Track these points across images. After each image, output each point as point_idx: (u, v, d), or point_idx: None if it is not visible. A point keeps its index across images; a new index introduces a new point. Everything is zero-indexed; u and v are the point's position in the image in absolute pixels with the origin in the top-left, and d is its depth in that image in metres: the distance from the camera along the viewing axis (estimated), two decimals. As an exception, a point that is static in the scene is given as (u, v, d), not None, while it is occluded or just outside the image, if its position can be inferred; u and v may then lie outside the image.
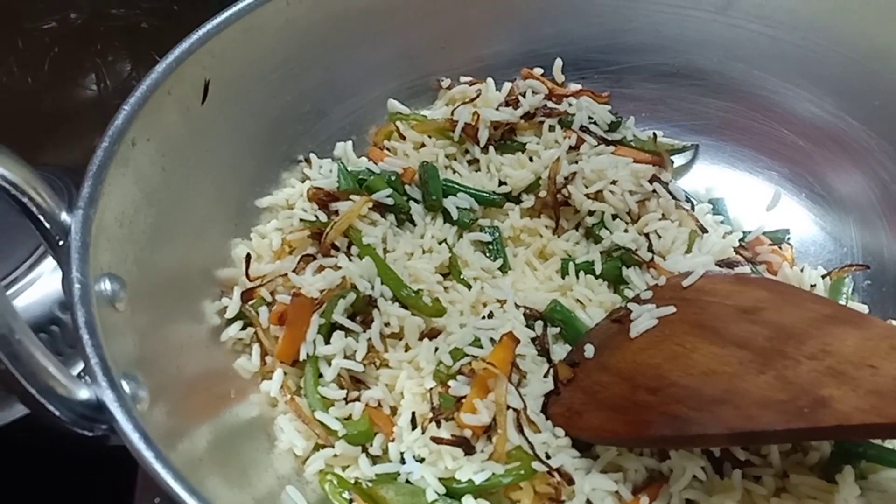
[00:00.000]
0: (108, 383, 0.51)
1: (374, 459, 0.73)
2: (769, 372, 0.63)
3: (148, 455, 0.49)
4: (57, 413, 0.49)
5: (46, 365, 0.48)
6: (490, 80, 0.99)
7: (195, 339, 0.75)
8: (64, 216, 0.61)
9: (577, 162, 0.93)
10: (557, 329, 0.82)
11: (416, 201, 0.90)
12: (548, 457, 0.69)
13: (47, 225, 0.60)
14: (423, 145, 0.96)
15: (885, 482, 0.68)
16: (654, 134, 0.98)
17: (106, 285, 0.60)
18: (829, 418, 0.57)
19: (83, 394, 0.50)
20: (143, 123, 0.70)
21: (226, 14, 0.80)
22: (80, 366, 0.55)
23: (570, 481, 0.68)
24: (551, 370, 0.77)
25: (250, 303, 0.79)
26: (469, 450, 0.70)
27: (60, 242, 0.61)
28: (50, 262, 0.97)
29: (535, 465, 0.68)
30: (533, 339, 0.80)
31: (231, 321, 0.79)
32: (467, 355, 0.75)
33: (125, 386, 0.53)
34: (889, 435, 0.64)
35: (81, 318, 0.54)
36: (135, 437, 0.49)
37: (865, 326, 0.65)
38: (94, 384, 0.51)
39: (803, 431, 0.59)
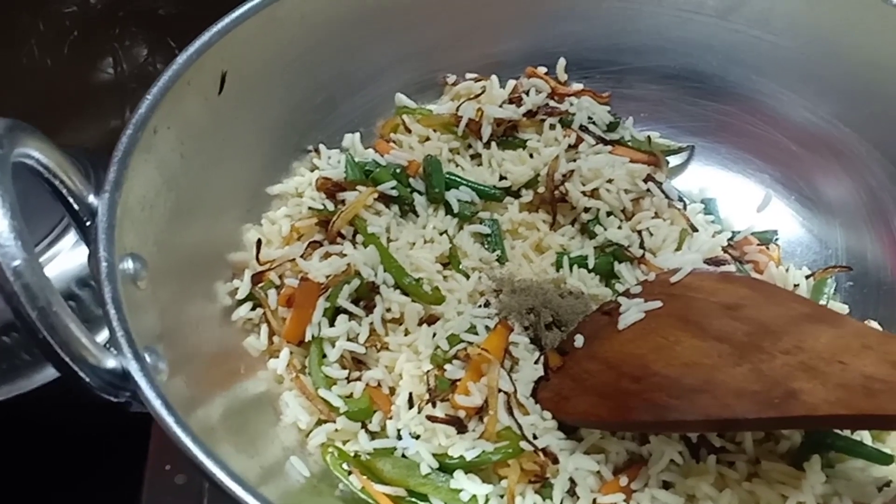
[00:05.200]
0: (132, 354, 0.55)
1: (373, 435, 0.77)
2: (745, 365, 0.66)
3: (169, 420, 0.53)
4: (87, 379, 0.53)
5: (79, 336, 0.52)
6: (494, 78, 1.02)
7: (208, 317, 0.79)
8: (91, 198, 0.65)
9: (575, 160, 0.96)
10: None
11: (420, 193, 0.93)
12: (535, 437, 0.74)
13: (76, 206, 0.64)
14: (427, 139, 0.99)
15: (850, 471, 0.72)
16: (649, 136, 1.01)
17: (129, 264, 0.64)
18: (797, 409, 0.61)
19: (110, 363, 0.55)
20: (164, 112, 0.73)
21: (244, 8, 0.83)
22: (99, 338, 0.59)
23: (555, 460, 0.72)
24: (542, 357, 0.81)
25: (260, 285, 0.83)
26: (462, 429, 0.74)
27: (87, 223, 0.64)
28: (68, 241, 1.01)
29: (523, 444, 0.73)
30: (526, 328, 0.84)
31: (241, 302, 0.83)
32: (463, 341, 0.79)
33: (147, 357, 0.58)
34: (854, 426, 0.69)
35: (108, 294, 0.58)
36: (157, 404, 0.54)
37: (840, 325, 0.69)
38: (120, 355, 0.56)
39: (774, 420, 0.63)
